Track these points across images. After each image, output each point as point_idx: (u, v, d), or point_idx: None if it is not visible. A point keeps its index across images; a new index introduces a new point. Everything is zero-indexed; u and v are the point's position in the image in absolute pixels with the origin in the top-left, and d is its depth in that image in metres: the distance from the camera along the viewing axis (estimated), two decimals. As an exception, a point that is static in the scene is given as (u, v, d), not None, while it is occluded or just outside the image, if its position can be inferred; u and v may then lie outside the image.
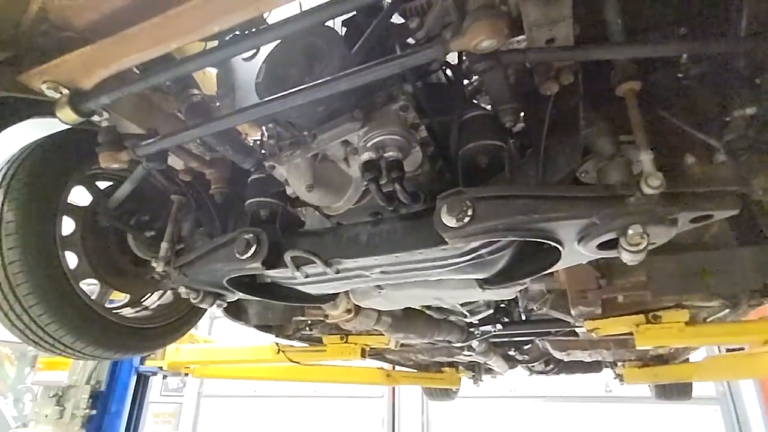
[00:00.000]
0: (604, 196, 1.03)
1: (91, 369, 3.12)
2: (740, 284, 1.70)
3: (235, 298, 1.71)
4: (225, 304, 1.74)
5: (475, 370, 5.05)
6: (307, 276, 1.39)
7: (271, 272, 1.37)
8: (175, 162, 1.48)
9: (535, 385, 8.60)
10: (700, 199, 1.03)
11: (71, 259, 1.76)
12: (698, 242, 1.75)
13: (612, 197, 1.03)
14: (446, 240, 1.10)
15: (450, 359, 3.89)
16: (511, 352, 3.58)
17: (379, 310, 2.09)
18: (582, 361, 4.77)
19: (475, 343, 2.93)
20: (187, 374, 3.50)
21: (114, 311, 1.87)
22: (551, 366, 5.01)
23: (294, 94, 0.98)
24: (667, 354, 3.53)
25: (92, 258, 1.78)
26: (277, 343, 3.02)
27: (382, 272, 1.33)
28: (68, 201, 1.75)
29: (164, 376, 3.62)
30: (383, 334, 2.63)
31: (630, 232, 1.02)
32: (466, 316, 2.38)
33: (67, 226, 1.76)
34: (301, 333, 2.75)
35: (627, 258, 1.09)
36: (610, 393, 8.36)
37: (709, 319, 2.26)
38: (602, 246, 1.15)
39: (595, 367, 5.06)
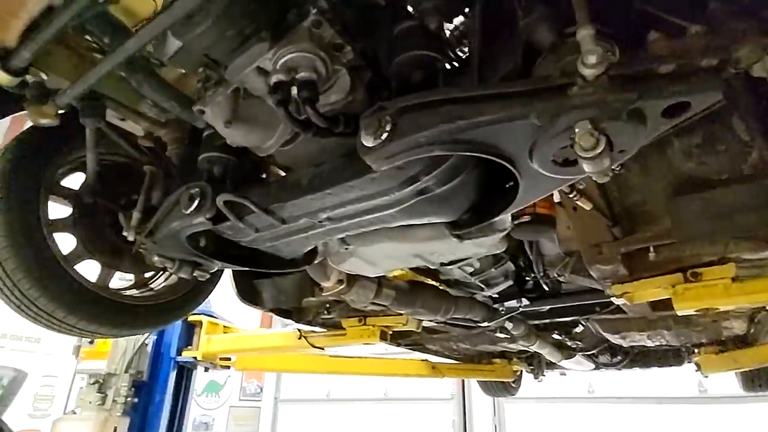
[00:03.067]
0: (540, 88, 0.85)
1: (129, 358, 3.29)
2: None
3: (215, 268, 1.68)
4: (207, 275, 1.71)
5: (534, 362, 4.71)
6: (257, 230, 1.32)
7: (220, 227, 1.32)
8: (134, 129, 1.48)
9: (616, 384, 7.92)
10: (665, 81, 0.82)
11: (70, 242, 1.84)
12: (736, 176, 1.45)
13: (549, 89, 0.85)
14: (369, 164, 0.98)
15: (495, 348, 3.64)
16: (558, 337, 3.26)
17: (379, 282, 1.97)
18: (654, 350, 4.29)
19: (509, 325, 2.70)
20: (228, 367, 3.60)
21: (116, 291, 1.92)
22: (618, 357, 4.54)
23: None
24: (748, 333, 3.04)
25: (87, 239, 1.83)
26: (299, 329, 2.98)
27: (328, 218, 1.22)
28: (62, 185, 1.83)
29: (203, 366, 3.70)
30: (400, 314, 2.50)
31: (577, 130, 0.84)
32: (482, 289, 2.19)
33: (65, 210, 1.84)
34: (321, 318, 2.69)
35: (589, 169, 0.90)
36: (704, 393, 7.47)
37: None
38: (562, 162, 0.96)
39: (672, 358, 4.51)
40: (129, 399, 3.18)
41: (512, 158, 0.98)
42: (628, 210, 1.64)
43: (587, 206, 1.50)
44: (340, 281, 1.83)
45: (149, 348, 3.43)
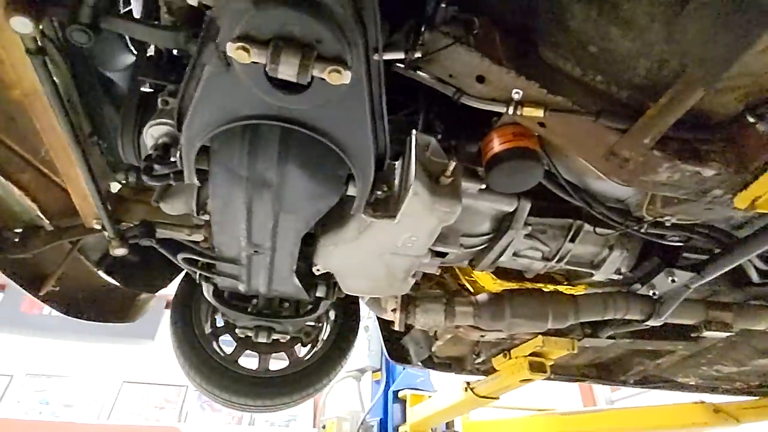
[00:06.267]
0: (204, 36, 0.87)
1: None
2: None
3: (289, 328, 1.91)
4: (287, 337, 1.95)
5: None
6: (236, 278, 1.52)
7: (223, 286, 1.58)
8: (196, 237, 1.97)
9: None
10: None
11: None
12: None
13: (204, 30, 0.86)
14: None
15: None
16: None
17: (447, 300, 1.77)
18: None
19: (725, 318, 1.85)
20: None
21: (269, 371, 2.32)
22: None
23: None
24: None
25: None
26: (466, 382, 2.71)
27: (251, 243, 1.33)
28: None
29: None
30: (530, 338, 2.10)
31: (228, 52, 0.80)
32: (592, 275, 1.70)
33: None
34: (476, 364, 2.45)
35: (283, 73, 0.81)
36: None
37: None
38: (287, 86, 0.88)
39: None
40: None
41: (262, 115, 0.95)
42: (645, 88, 1.12)
43: (537, 113, 1.11)
44: (393, 310, 1.75)
45: (375, 428, 3.68)
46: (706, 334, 1.87)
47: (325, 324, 2.47)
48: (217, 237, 1.35)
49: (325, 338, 2.43)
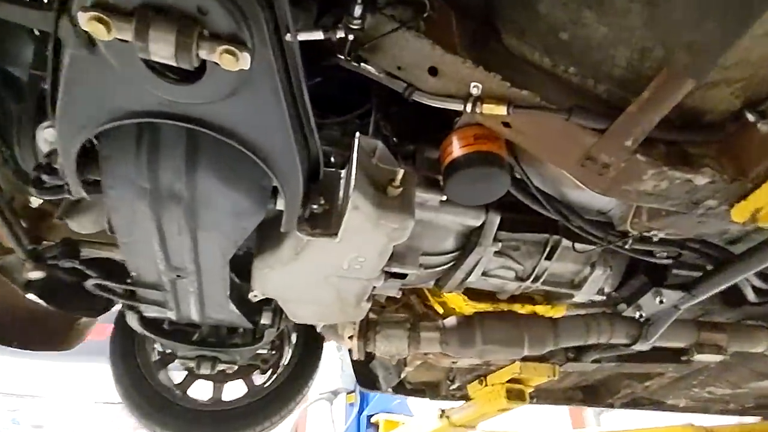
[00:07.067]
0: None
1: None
2: None
3: (236, 358, 1.71)
4: (234, 367, 1.75)
5: None
6: (160, 305, 1.31)
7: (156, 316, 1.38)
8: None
9: None
10: None
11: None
12: None
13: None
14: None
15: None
16: None
17: (412, 325, 1.57)
18: None
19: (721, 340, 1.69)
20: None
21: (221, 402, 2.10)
22: None
23: None
24: None
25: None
26: (441, 409, 2.51)
27: (172, 267, 1.13)
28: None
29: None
30: (507, 364, 1.91)
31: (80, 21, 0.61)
32: (572, 296, 1.52)
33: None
34: (450, 390, 2.25)
35: (157, 54, 0.62)
36: None
37: None
38: (186, 73, 0.69)
39: None
40: None
41: (151, 112, 0.75)
42: (625, 81, 0.95)
43: (500, 110, 0.93)
44: (351, 337, 1.55)
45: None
46: (698, 357, 1.70)
47: (286, 348, 2.26)
48: (129, 260, 1.15)
49: (286, 363, 2.21)
